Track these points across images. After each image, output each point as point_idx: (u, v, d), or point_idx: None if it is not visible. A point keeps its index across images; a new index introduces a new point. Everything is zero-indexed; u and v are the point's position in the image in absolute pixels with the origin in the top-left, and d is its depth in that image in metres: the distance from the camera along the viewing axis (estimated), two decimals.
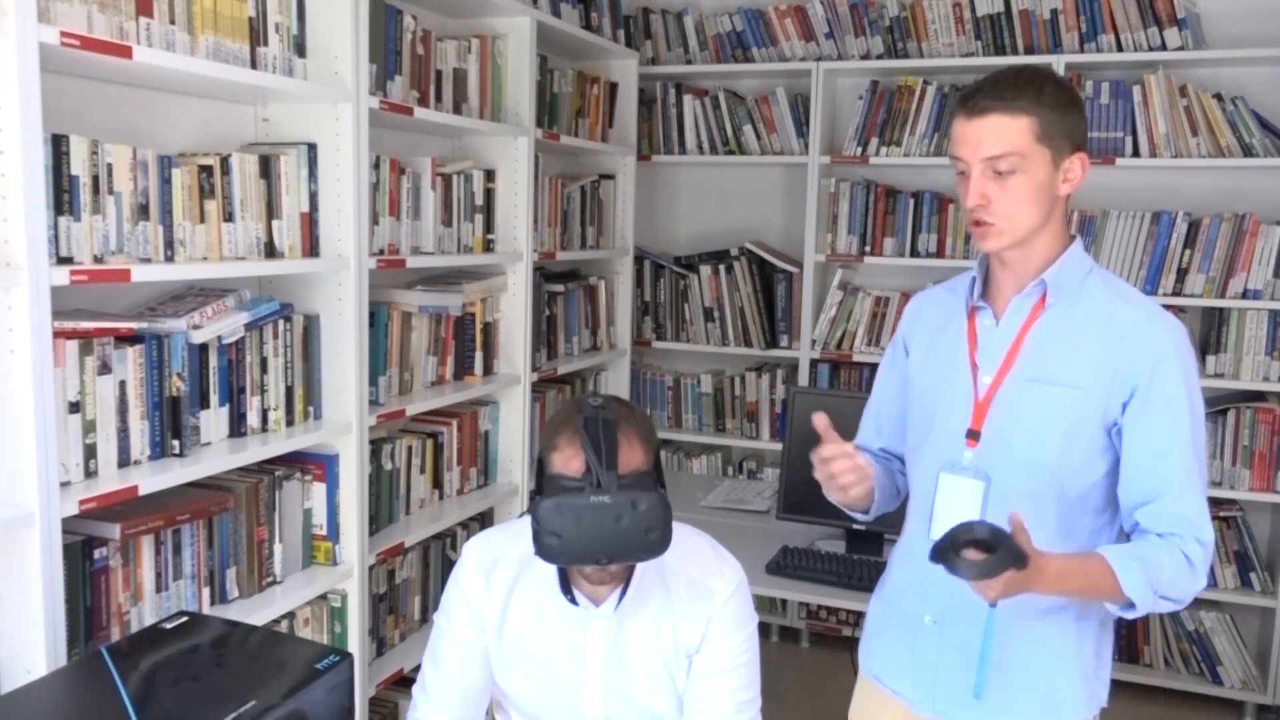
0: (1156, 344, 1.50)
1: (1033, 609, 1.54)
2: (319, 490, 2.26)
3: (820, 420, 1.59)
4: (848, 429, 2.68)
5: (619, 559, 1.40)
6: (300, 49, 2.13)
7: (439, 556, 2.75)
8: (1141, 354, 1.50)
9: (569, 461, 1.43)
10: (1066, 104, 1.51)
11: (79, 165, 1.65)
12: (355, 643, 2.34)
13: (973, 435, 1.58)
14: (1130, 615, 1.50)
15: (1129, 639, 3.49)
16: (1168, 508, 1.49)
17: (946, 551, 1.39)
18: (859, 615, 3.80)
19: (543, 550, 1.39)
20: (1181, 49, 3.26)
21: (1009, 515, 1.41)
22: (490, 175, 2.89)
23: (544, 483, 1.45)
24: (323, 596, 2.28)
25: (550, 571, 1.57)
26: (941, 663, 1.63)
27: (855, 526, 2.64)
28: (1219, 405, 3.32)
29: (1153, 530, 1.50)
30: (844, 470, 1.56)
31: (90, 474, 1.75)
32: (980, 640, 1.55)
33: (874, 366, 3.63)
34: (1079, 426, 1.52)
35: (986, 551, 1.37)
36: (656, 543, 1.40)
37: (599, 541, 1.37)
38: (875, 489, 1.69)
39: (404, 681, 2.48)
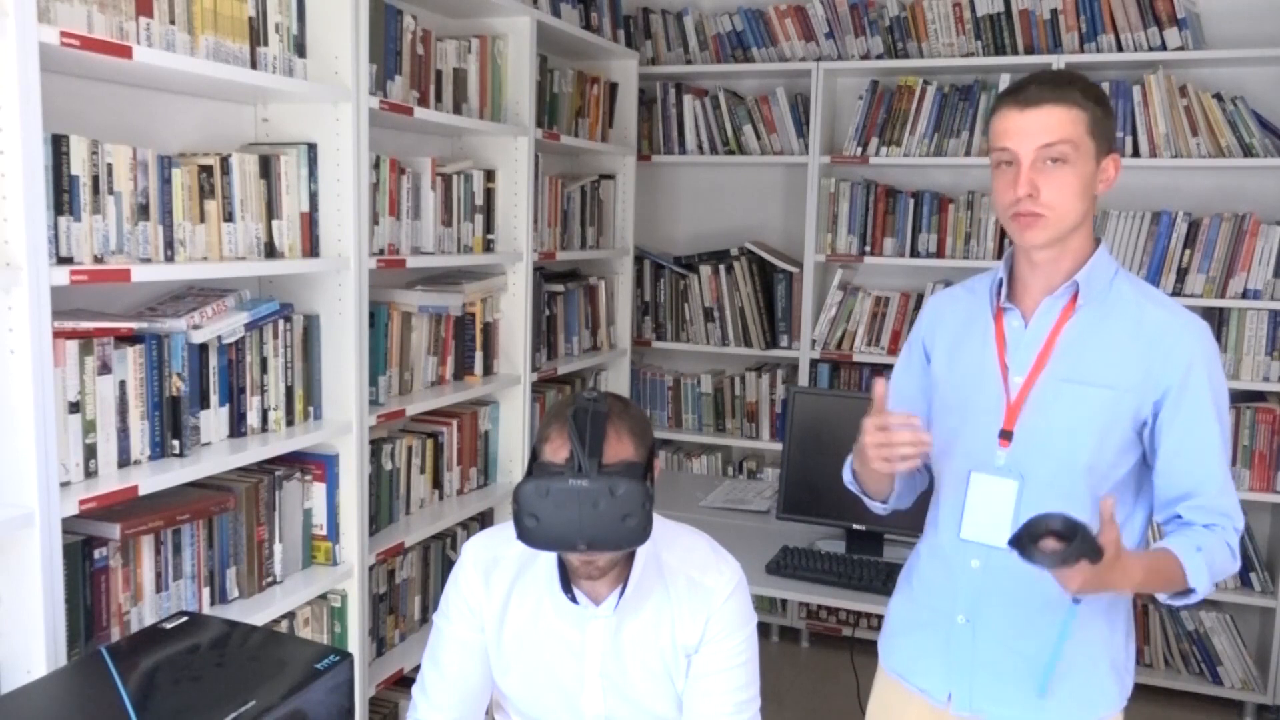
0: (1188, 347, 1.54)
1: (1064, 604, 1.54)
2: (319, 490, 2.26)
3: (880, 386, 1.56)
4: (849, 429, 2.70)
5: (596, 546, 1.40)
6: (300, 49, 2.13)
7: (439, 556, 2.75)
8: (1173, 357, 1.53)
9: (557, 450, 1.45)
10: (1105, 104, 1.56)
11: (79, 165, 1.66)
12: (355, 643, 2.34)
13: (1005, 435, 1.60)
14: (1180, 603, 1.54)
15: None
16: (1209, 503, 1.54)
17: (1024, 541, 1.39)
18: (859, 615, 3.82)
19: (521, 533, 1.40)
20: (1181, 49, 3.26)
21: (1100, 503, 1.40)
22: (490, 175, 2.89)
23: (532, 470, 1.47)
24: (323, 596, 2.28)
25: (550, 570, 1.57)
26: (978, 661, 1.63)
27: (855, 526, 2.64)
28: None
29: (1197, 522, 1.54)
30: (906, 441, 1.49)
31: (90, 474, 1.75)
32: (1017, 637, 1.59)
33: (874, 366, 3.68)
34: (1112, 426, 1.55)
35: (1063, 542, 1.37)
36: (634, 530, 1.38)
37: (576, 526, 1.37)
38: (897, 480, 1.72)
39: (404, 681, 2.48)
